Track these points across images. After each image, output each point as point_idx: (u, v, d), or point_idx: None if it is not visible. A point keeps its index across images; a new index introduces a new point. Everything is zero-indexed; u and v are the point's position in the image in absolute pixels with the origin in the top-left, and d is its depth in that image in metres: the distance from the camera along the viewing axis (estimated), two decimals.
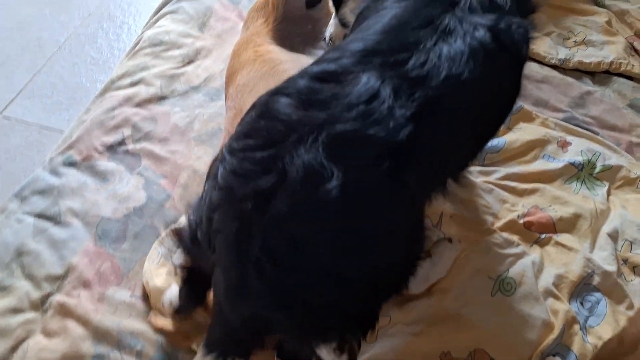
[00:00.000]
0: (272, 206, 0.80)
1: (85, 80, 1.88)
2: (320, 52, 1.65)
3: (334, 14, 1.57)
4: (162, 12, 1.96)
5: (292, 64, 1.44)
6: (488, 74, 0.99)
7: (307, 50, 1.64)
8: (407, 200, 0.90)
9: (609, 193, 1.50)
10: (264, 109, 0.90)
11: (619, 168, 1.53)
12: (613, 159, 1.55)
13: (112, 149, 1.55)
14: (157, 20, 1.94)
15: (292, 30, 1.61)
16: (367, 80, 0.87)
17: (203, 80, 1.75)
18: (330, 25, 1.59)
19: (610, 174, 1.53)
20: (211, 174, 0.94)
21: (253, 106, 0.95)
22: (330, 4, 1.67)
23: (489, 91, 1.03)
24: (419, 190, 0.97)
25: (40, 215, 1.45)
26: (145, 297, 1.31)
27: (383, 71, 0.89)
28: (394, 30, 0.98)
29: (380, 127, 0.84)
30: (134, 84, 1.70)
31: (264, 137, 0.86)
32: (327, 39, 1.62)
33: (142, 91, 1.68)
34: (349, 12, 1.49)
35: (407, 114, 0.86)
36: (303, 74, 0.94)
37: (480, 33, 0.98)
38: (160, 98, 1.68)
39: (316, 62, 0.99)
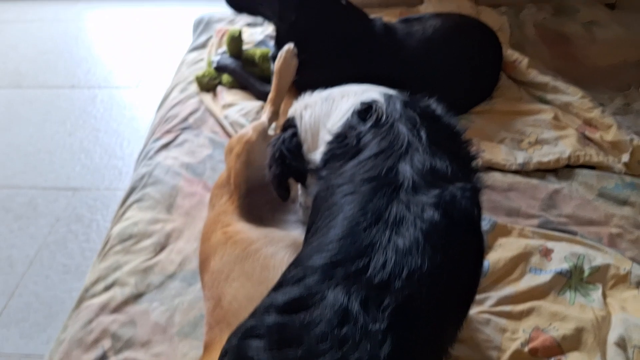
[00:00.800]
0: None
1: (60, 292, 1.86)
2: (290, 217, 1.64)
3: (299, 186, 1.59)
4: (127, 202, 1.98)
5: (264, 241, 1.42)
6: (448, 251, 0.99)
7: (276, 217, 1.63)
8: None
9: (604, 296, 1.46)
10: (237, 358, 0.89)
11: (607, 267, 1.50)
12: (599, 259, 1.53)
13: None
14: (124, 212, 1.94)
15: (258, 200, 1.62)
16: (334, 300, 0.87)
17: (178, 264, 1.73)
18: (299, 195, 1.60)
19: (600, 275, 1.50)
20: None
21: (225, 352, 0.94)
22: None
23: (456, 266, 1.03)
24: None
25: None
26: None
27: (347, 284, 0.89)
28: (348, 235, 0.98)
29: (359, 352, 0.82)
30: (108, 288, 1.67)
31: None
32: (299, 205, 1.64)
33: (117, 294, 1.65)
34: (305, 196, 1.51)
35: (382, 328, 0.85)
36: (269, 307, 0.94)
37: (429, 214, 1.00)
38: (137, 296, 1.64)
39: (280, 285, 0.99)
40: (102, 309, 1.62)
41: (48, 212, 2.17)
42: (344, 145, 1.20)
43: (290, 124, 1.45)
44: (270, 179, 1.45)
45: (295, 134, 1.41)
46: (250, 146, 1.64)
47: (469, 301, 1.14)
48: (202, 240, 1.57)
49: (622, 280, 1.48)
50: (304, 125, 1.40)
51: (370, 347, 0.83)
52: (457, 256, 1.03)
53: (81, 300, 1.67)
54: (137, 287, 1.67)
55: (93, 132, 2.59)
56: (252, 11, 2.16)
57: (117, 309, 1.62)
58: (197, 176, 2.03)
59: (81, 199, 2.22)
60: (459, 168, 1.12)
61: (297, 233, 1.53)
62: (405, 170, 1.07)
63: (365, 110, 1.26)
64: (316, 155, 1.31)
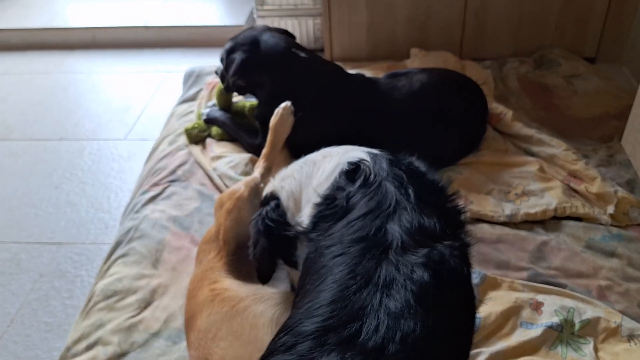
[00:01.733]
0: None
1: (41, 352, 1.80)
2: (280, 275, 1.59)
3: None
4: (112, 257, 1.94)
5: (252, 298, 1.39)
6: (440, 312, 0.99)
7: None
8: None
9: (596, 350, 1.44)
10: None
11: (597, 320, 1.49)
12: (589, 312, 1.52)
13: None
14: (108, 268, 1.91)
15: (247, 257, 1.59)
16: None
17: (163, 322, 1.69)
18: (288, 274, 1.59)
19: (591, 328, 1.49)
20: None
21: None
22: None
23: (449, 326, 1.02)
24: None
25: None
26: None
27: (341, 350, 0.88)
28: (339, 299, 0.97)
29: None
30: (90, 347, 1.62)
31: None
32: (289, 283, 1.62)
33: (100, 354, 1.60)
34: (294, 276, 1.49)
35: None
36: None
37: (419, 274, 0.99)
38: (120, 355, 1.60)
39: (270, 354, 0.97)
40: None
41: (31, 268, 2.13)
42: (334, 206, 1.20)
43: (271, 197, 1.43)
44: (258, 255, 1.41)
45: (278, 205, 1.39)
46: (242, 202, 1.62)
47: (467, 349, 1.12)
48: (188, 297, 1.54)
49: (613, 333, 1.47)
50: (285, 194, 1.39)
51: None
52: (449, 316, 1.02)
53: None
54: (120, 346, 1.63)
55: (80, 184, 2.57)
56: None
57: None
58: (184, 230, 2.01)
59: (65, 254, 2.18)
60: (447, 224, 1.12)
61: (286, 289, 1.51)
62: (394, 230, 1.07)
63: (353, 171, 1.26)
64: (302, 218, 1.30)
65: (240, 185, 1.68)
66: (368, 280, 0.98)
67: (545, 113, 2.37)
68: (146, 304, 1.76)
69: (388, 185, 1.18)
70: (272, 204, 1.41)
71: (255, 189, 1.69)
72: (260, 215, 1.41)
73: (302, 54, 2.13)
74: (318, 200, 1.26)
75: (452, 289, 1.05)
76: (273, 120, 1.89)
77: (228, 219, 1.60)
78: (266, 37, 2.16)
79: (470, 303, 1.13)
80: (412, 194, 1.15)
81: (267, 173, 1.83)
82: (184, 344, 1.60)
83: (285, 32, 2.28)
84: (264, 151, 1.87)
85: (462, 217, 1.22)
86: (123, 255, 1.94)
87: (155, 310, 1.74)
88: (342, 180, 1.25)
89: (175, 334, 1.65)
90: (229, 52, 2.19)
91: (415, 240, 1.05)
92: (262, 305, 1.36)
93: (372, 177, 1.20)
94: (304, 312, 0.99)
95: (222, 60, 2.26)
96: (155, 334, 1.66)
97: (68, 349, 1.64)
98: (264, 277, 1.47)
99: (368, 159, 1.28)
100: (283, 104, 1.90)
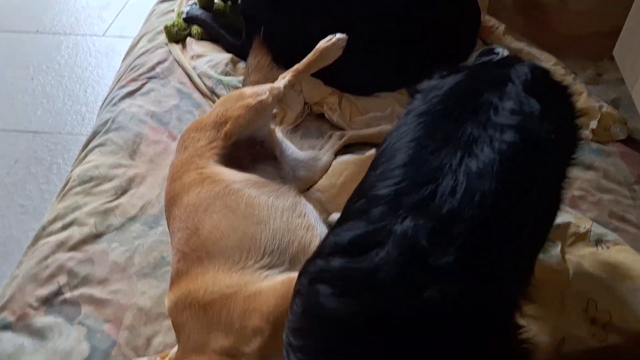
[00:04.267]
0: None
1: (17, 232, 1.81)
2: (272, 170, 1.57)
3: None
4: (89, 146, 1.92)
5: (246, 183, 1.37)
6: (527, 176, 0.91)
7: (257, 167, 1.55)
8: None
9: (563, 252, 1.48)
10: (309, 304, 0.85)
11: (567, 225, 1.52)
12: (559, 218, 1.54)
13: (48, 301, 1.45)
14: (85, 156, 1.89)
15: (240, 152, 1.55)
16: (400, 236, 0.80)
17: (139, 208, 1.70)
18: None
19: (560, 232, 1.51)
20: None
21: (297, 292, 0.89)
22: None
23: (534, 193, 0.94)
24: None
25: None
26: None
27: (414, 216, 0.82)
28: (415, 159, 0.90)
29: (428, 291, 0.77)
30: (66, 227, 1.63)
31: (315, 339, 0.83)
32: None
33: (76, 233, 1.61)
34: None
35: (451, 261, 0.78)
36: (335, 247, 0.87)
37: (509, 135, 0.90)
38: (96, 236, 1.61)
39: (345, 219, 0.91)
40: (59, 246, 1.58)
41: (6, 154, 2.10)
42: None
43: None
44: None
45: None
46: (262, 107, 1.56)
47: (545, 234, 1.08)
48: (171, 179, 1.49)
49: (582, 238, 1.50)
50: None
51: (439, 285, 0.77)
52: (535, 182, 0.93)
53: (38, 238, 1.62)
54: (96, 227, 1.63)
55: (57, 77, 2.51)
56: None
57: (75, 247, 1.58)
58: (162, 125, 1.98)
59: (42, 143, 2.15)
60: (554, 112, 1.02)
61: (279, 183, 1.48)
62: (491, 98, 0.97)
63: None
64: None
65: (266, 90, 1.61)
66: (449, 138, 0.90)
67: (536, 30, 2.33)
68: (123, 191, 1.75)
69: (503, 70, 1.07)
70: None
71: (277, 98, 1.63)
72: None
73: None
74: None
75: (543, 159, 0.96)
76: (323, 44, 1.78)
77: (244, 114, 1.53)
78: None
79: (558, 179, 1.07)
80: (529, 82, 1.03)
81: (290, 88, 1.76)
82: (160, 229, 1.61)
83: None
84: (297, 66, 1.75)
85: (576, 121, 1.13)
86: (100, 145, 1.92)
87: (132, 197, 1.73)
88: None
89: (151, 219, 1.66)
90: None
91: (512, 110, 0.95)
92: (255, 191, 1.33)
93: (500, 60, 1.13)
94: (379, 174, 0.94)
95: None
96: (132, 219, 1.66)
97: (44, 227, 1.64)
98: None
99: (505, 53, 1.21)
100: (341, 35, 1.81)
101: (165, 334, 1.37)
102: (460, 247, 0.79)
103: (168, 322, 1.38)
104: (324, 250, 0.90)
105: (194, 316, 1.12)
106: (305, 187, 1.64)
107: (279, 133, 1.70)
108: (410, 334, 0.76)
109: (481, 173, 0.84)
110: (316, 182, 1.64)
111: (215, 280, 1.14)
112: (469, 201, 0.82)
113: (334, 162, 1.71)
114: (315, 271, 0.87)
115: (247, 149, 1.57)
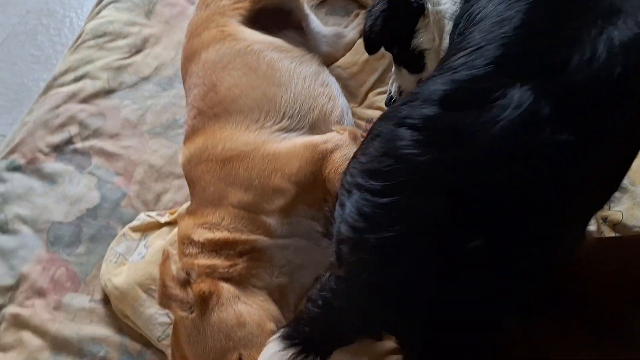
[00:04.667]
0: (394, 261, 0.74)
1: (27, 80, 1.77)
2: (299, 38, 1.49)
3: (394, 66, 1.33)
4: (104, 1, 1.84)
5: (269, 45, 1.30)
6: None
7: (283, 33, 1.48)
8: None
9: None
10: (389, 146, 0.78)
11: None
12: None
13: (58, 149, 1.46)
14: (99, 11, 1.82)
15: (265, 16, 1.46)
16: (519, 99, 0.71)
17: (153, 69, 1.65)
18: (394, 78, 1.37)
19: None
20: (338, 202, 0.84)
21: (376, 135, 0.83)
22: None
23: None
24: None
25: None
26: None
27: (537, 82, 0.72)
28: (541, 22, 0.79)
29: (538, 165, 0.70)
30: (78, 79, 1.60)
31: (389, 180, 0.76)
32: (392, 94, 1.38)
33: (88, 86, 1.58)
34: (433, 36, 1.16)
35: (571, 140, 0.70)
36: (429, 95, 0.78)
37: None
38: (108, 92, 1.58)
39: (443, 70, 0.82)
40: (71, 97, 1.56)
41: (18, 2, 2.02)
42: None
43: None
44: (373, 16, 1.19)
45: None
46: None
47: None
48: (190, 36, 1.42)
49: None
50: None
51: (551, 161, 0.70)
52: None
53: (49, 87, 1.60)
54: (109, 82, 1.60)
55: None
56: None
57: (87, 99, 1.56)
58: None
59: None
60: None
61: (304, 50, 1.40)
62: None
63: None
64: None
65: None
66: (586, 5, 0.78)
67: None
68: (137, 49, 1.70)
69: None
70: None
71: None
72: None
73: None
74: None
75: None
76: None
77: None
78: None
79: None
80: None
81: None
82: (173, 91, 1.58)
83: None
84: None
85: None
86: (115, 1, 1.84)
87: (146, 57, 1.69)
88: None
89: (165, 81, 1.62)
90: None
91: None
92: (279, 54, 1.27)
93: None
94: (484, 35, 0.82)
95: None
96: (145, 78, 1.63)
97: (55, 78, 1.61)
98: (371, 46, 1.27)
99: None
100: None
101: (175, 192, 1.38)
102: (583, 127, 0.71)
103: (178, 182, 1.39)
104: (415, 98, 0.81)
105: (210, 170, 1.11)
106: (327, 64, 1.58)
107: (306, 5, 1.62)
108: (492, 203, 0.70)
109: (626, 46, 0.73)
110: (337, 59, 1.59)
111: (232, 137, 1.12)
112: (608, 77, 0.73)
113: (359, 41, 1.64)
114: (404, 115, 0.79)
115: (273, 16, 1.49)
